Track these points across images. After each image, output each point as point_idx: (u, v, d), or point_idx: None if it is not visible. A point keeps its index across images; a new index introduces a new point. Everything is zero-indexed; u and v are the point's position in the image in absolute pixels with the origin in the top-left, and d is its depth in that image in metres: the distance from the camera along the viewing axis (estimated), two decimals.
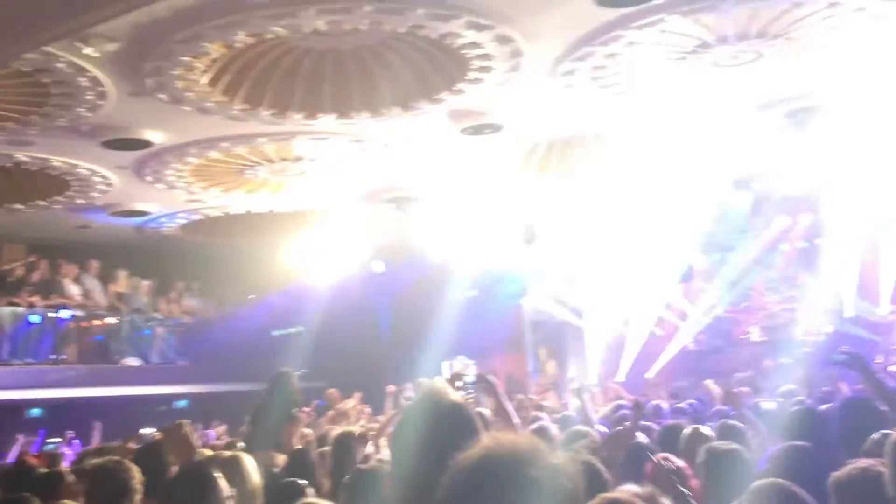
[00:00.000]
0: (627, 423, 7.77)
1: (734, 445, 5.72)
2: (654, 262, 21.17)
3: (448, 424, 3.04)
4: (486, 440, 2.38)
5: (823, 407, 7.99)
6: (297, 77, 10.90)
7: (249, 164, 13.96)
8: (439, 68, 10.80)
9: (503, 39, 9.85)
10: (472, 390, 12.30)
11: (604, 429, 8.61)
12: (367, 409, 14.16)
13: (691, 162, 14.96)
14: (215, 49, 9.73)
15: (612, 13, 9.51)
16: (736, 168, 14.66)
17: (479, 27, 9.48)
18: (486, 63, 10.44)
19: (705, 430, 7.06)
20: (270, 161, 13.84)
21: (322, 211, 17.20)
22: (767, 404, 9.56)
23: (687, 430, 7.05)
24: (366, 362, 20.07)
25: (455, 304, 19.75)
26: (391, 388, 13.87)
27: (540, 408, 12.30)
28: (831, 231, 20.48)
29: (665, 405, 11.66)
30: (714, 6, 9.51)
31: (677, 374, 20.81)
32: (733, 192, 14.42)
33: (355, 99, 11.44)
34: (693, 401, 12.12)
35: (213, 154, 13.28)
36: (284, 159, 13.79)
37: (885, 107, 12.83)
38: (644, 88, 11.71)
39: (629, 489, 4.07)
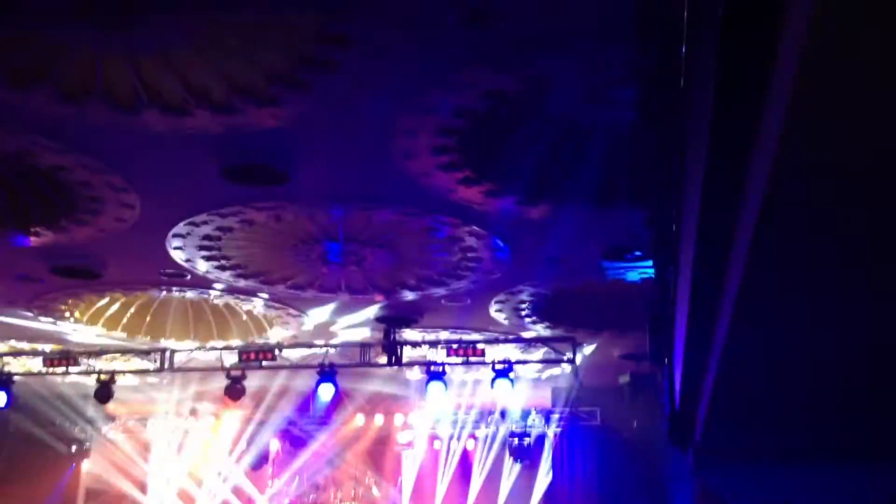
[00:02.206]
0: None
1: None
2: (227, 442, 20.81)
3: None
4: None
5: None
6: None
7: None
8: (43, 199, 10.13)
9: (118, 188, 9.56)
10: None
11: None
12: None
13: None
14: None
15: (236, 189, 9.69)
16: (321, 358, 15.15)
17: (94, 169, 9.12)
18: (96, 206, 10.01)
19: None
20: None
21: None
22: None
23: None
24: None
25: None
26: None
27: None
28: (399, 437, 21.79)
29: None
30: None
31: None
32: (318, 383, 14.81)
33: None
34: None
35: None
36: None
37: None
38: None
39: None
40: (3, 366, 15.47)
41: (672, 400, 9.17)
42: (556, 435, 20.37)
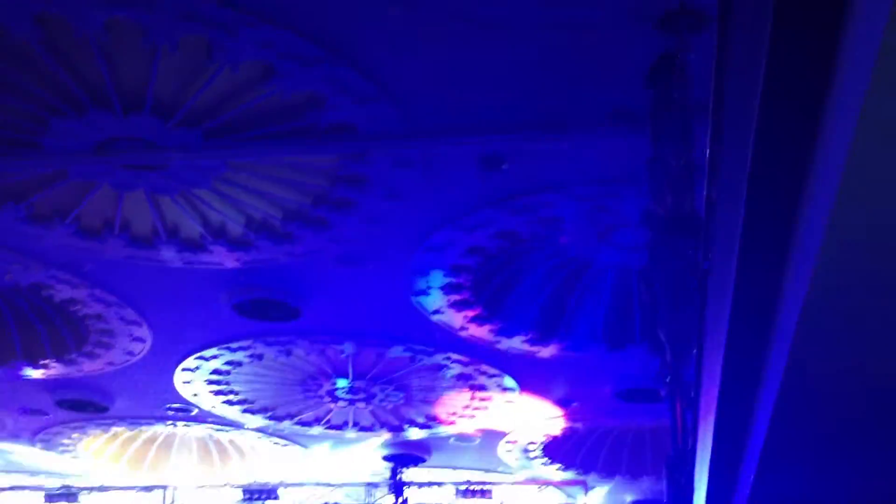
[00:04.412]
0: None
1: None
2: None
3: None
4: None
5: None
6: None
7: None
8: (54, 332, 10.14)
9: (130, 321, 9.58)
10: None
11: None
12: None
13: None
14: None
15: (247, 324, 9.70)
16: None
17: (107, 303, 9.17)
18: (107, 339, 10.00)
19: None
20: None
21: None
22: None
23: None
24: None
25: None
26: None
27: None
28: None
29: None
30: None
31: None
32: None
33: None
34: None
35: None
36: None
37: None
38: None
39: None
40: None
41: None
42: None
